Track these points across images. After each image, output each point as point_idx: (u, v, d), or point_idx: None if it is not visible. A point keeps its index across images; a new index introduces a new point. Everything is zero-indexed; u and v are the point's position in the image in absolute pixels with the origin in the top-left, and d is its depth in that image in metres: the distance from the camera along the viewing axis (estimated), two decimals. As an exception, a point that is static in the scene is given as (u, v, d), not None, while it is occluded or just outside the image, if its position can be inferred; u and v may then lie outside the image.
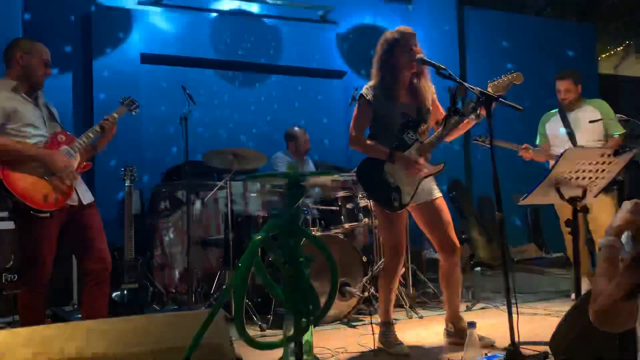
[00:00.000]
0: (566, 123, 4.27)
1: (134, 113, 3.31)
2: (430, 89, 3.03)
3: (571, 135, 4.20)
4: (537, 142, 4.50)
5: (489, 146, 3.71)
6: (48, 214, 2.77)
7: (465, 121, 2.84)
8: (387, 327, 3.07)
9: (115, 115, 3.11)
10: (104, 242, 3.04)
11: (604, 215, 3.92)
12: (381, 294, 3.12)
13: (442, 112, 3.01)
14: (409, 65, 2.89)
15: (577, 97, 4.29)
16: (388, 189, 2.89)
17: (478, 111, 2.74)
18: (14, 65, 2.89)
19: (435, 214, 3.00)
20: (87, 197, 3.02)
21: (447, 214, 3.03)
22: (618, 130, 4.13)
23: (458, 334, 3.05)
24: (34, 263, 2.82)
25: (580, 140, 4.16)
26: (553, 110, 4.48)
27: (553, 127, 4.38)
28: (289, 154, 5.02)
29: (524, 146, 4.19)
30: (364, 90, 3.00)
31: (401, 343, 3.00)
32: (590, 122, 4.09)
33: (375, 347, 3.03)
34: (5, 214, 3.89)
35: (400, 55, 2.88)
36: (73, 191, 2.91)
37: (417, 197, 2.92)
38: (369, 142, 2.97)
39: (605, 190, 3.83)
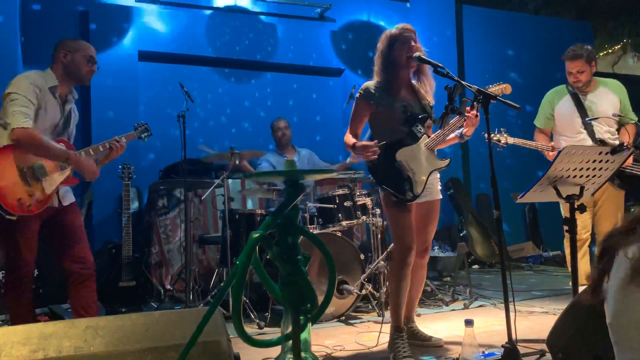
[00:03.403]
0: (581, 109, 3.79)
1: (142, 141, 3.34)
2: (430, 85, 3.02)
3: (588, 127, 3.76)
4: (538, 122, 4.02)
5: (505, 144, 3.63)
6: (14, 217, 2.72)
7: (452, 136, 2.93)
8: (397, 332, 2.86)
9: (124, 139, 3.12)
10: (85, 242, 3.01)
11: (612, 209, 3.74)
12: (390, 293, 2.94)
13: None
14: (409, 63, 2.88)
15: (591, 79, 3.79)
16: (401, 178, 2.85)
17: (474, 107, 2.75)
18: (58, 63, 2.94)
19: (431, 215, 3.00)
20: (67, 199, 3.00)
21: (437, 218, 3.04)
22: (633, 118, 3.80)
23: (409, 334, 2.98)
24: (15, 262, 2.81)
25: (597, 131, 3.75)
26: (561, 88, 3.96)
27: (564, 112, 3.87)
28: (276, 150, 5.05)
29: (551, 144, 3.81)
30: (358, 92, 2.98)
31: (411, 356, 2.76)
32: (614, 115, 3.72)
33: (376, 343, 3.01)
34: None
35: (400, 51, 2.87)
36: (50, 200, 2.87)
37: (425, 191, 2.90)
38: (345, 139, 2.94)
39: (619, 186, 3.75)
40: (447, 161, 2.95)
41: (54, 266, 4.02)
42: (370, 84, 2.98)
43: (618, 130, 3.84)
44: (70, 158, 2.84)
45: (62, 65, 2.94)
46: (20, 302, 2.85)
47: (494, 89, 2.86)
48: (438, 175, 3.06)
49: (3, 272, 3.93)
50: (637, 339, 1.48)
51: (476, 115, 2.81)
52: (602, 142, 3.73)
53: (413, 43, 2.87)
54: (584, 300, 1.70)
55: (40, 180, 2.81)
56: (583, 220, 3.69)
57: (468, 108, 2.77)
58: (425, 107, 2.96)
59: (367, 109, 2.95)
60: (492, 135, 3.55)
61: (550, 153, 3.72)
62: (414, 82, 3.02)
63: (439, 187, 3.06)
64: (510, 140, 3.62)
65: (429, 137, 2.92)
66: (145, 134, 3.32)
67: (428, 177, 2.89)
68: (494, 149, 3.48)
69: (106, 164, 3.10)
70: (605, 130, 3.79)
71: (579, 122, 3.80)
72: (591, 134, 3.78)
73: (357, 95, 2.97)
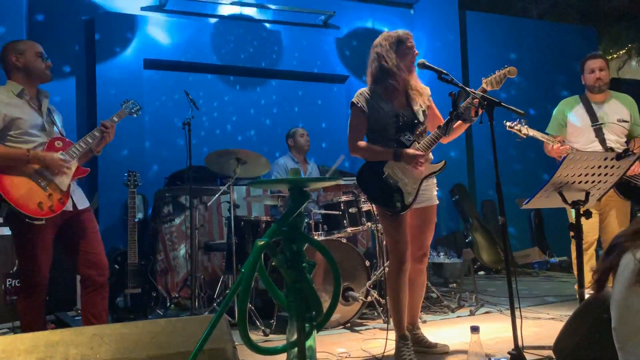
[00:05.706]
0: (593, 117, 3.84)
1: (135, 116, 3.29)
2: (424, 91, 2.97)
3: (600, 135, 3.80)
4: (551, 130, 4.00)
5: (524, 136, 3.60)
6: (43, 221, 2.75)
7: (459, 123, 2.82)
8: (402, 340, 2.85)
9: (115, 118, 3.10)
10: (101, 248, 3.00)
11: (620, 217, 3.75)
12: (390, 304, 2.91)
13: (440, 117, 2.97)
14: (404, 68, 2.85)
15: (607, 87, 3.87)
16: (390, 191, 2.82)
17: (478, 114, 2.74)
18: (13, 69, 2.88)
19: (427, 220, 2.96)
20: (82, 203, 3.00)
21: (434, 223, 3.01)
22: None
23: (414, 341, 2.97)
24: (30, 269, 2.81)
25: (608, 139, 3.80)
26: (574, 98, 4.01)
27: (577, 119, 3.89)
28: (291, 156, 5.04)
29: (558, 139, 3.81)
30: (354, 99, 2.93)
31: None
32: (619, 121, 3.79)
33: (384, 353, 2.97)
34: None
35: (396, 57, 2.84)
36: (69, 199, 2.89)
37: (418, 198, 2.86)
38: (369, 146, 2.88)
39: (625, 196, 3.75)
40: (441, 164, 2.87)
41: (61, 274, 4.04)
42: (361, 92, 2.94)
43: (627, 142, 3.86)
44: (31, 156, 2.77)
45: (18, 69, 2.87)
46: (32, 310, 2.85)
47: (498, 74, 2.79)
48: (435, 181, 3.01)
49: (15, 280, 3.97)
50: None
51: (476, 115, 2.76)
52: (611, 151, 3.73)
53: (410, 49, 2.85)
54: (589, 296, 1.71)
55: (52, 179, 2.82)
56: (591, 223, 3.67)
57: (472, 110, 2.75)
58: (417, 113, 2.89)
59: (363, 120, 2.90)
60: (513, 124, 3.55)
61: (555, 146, 3.73)
62: (407, 84, 2.93)
63: (435, 193, 3.02)
64: (531, 132, 3.61)
65: (419, 143, 2.83)
66: (135, 107, 3.24)
67: (421, 183, 2.84)
68: (514, 137, 3.49)
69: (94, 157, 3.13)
70: (615, 140, 3.81)
71: (592, 130, 3.83)
72: (602, 142, 3.81)
73: (352, 106, 2.92)
